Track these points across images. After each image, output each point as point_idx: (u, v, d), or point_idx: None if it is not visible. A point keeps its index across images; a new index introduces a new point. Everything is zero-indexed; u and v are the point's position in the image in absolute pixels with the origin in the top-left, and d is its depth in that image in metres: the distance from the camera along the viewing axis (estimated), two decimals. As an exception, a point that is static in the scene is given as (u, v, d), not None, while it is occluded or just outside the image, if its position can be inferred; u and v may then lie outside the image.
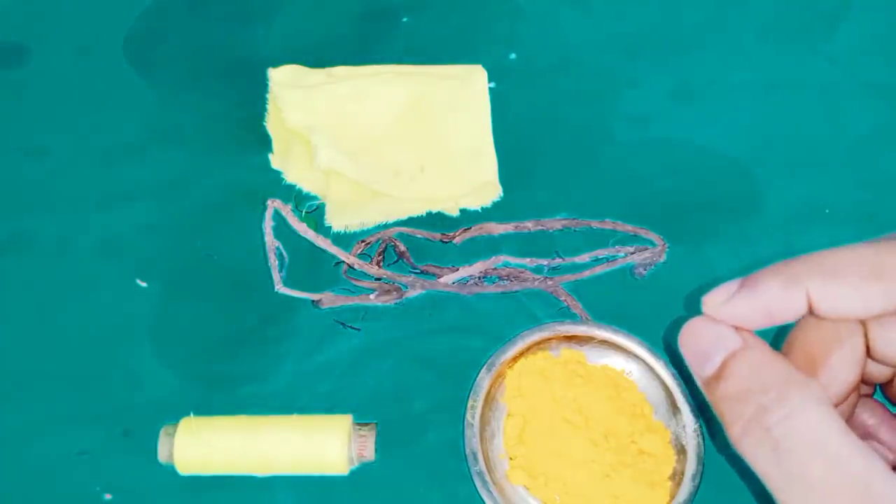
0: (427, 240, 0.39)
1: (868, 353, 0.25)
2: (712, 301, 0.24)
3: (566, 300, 0.38)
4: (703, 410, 0.34)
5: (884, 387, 0.28)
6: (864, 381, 0.27)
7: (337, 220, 0.40)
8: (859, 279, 0.22)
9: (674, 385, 0.34)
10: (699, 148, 0.42)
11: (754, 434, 0.22)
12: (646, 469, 0.33)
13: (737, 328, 0.24)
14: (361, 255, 0.39)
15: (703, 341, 0.24)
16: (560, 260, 0.39)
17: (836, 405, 0.25)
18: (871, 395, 0.29)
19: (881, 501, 0.20)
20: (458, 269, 0.38)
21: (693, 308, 0.38)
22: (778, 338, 0.29)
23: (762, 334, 0.25)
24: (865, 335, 0.25)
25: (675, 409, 0.34)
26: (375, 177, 0.41)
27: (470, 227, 0.40)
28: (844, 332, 0.25)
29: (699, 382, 0.25)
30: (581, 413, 0.34)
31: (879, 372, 0.27)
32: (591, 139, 0.43)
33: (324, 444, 0.33)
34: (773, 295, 0.23)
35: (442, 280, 0.38)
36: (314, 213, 0.40)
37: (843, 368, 0.25)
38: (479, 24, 0.46)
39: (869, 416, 0.28)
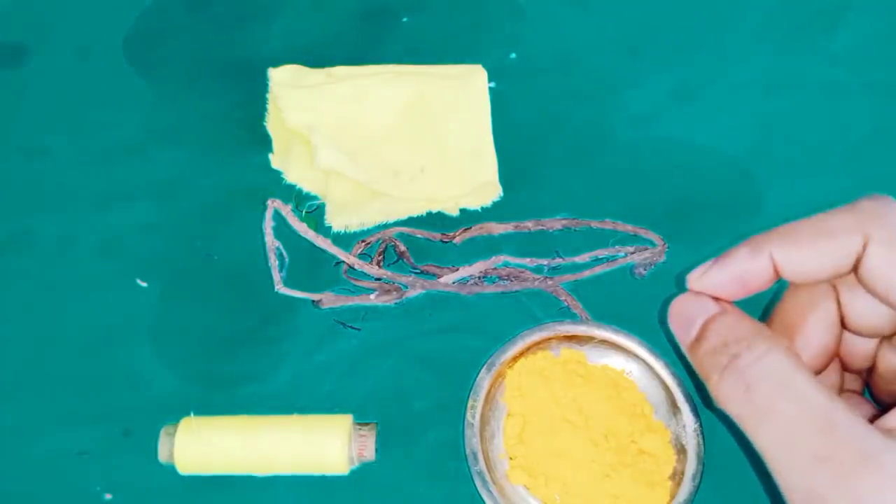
0: (427, 240, 0.39)
1: (843, 324, 0.28)
2: (693, 276, 0.28)
3: (566, 300, 0.38)
4: (702, 410, 0.34)
5: (870, 384, 0.30)
6: (847, 367, 0.30)
7: (337, 220, 0.40)
8: (811, 239, 0.26)
9: (674, 385, 0.34)
10: (699, 148, 0.42)
11: (728, 379, 0.25)
12: (646, 469, 0.33)
13: (717, 300, 0.27)
14: (361, 255, 0.39)
15: (686, 311, 0.27)
16: (560, 260, 0.39)
17: (816, 374, 0.29)
18: (860, 393, 0.31)
19: (842, 433, 0.22)
20: (458, 269, 0.38)
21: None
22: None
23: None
24: (838, 302, 0.28)
25: (675, 408, 0.34)
26: (375, 177, 0.41)
27: (470, 227, 0.39)
28: (818, 297, 0.28)
29: (685, 351, 0.27)
30: (581, 413, 0.34)
31: (859, 352, 0.29)
32: (591, 139, 0.43)
33: (324, 444, 0.33)
34: (742, 263, 0.26)
35: (442, 280, 0.38)
36: (314, 213, 0.40)
37: (817, 332, 0.28)
38: (479, 24, 0.46)
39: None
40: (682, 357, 0.35)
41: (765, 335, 0.25)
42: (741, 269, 0.27)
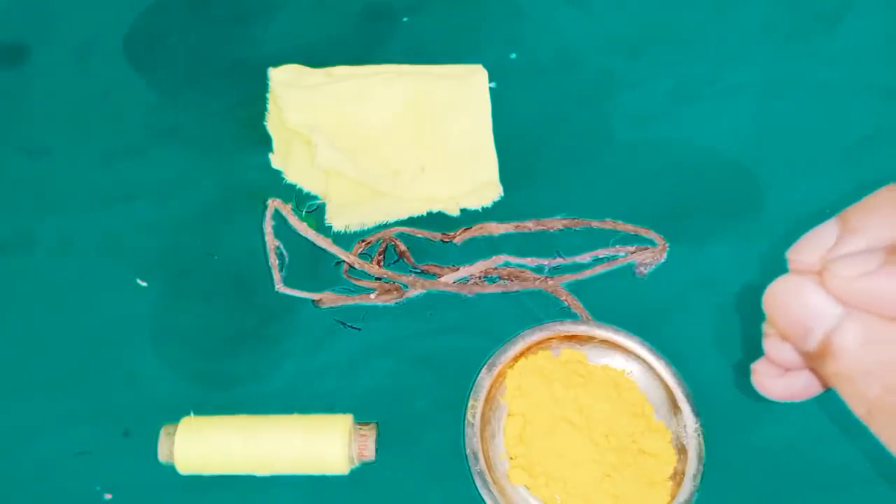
0: (427, 239, 0.39)
1: None
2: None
3: (567, 300, 0.38)
4: (702, 410, 0.34)
5: None
6: None
7: (337, 220, 0.40)
8: None
9: (674, 385, 0.34)
10: (699, 148, 0.42)
11: (882, 417, 0.19)
12: (646, 469, 0.33)
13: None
14: (362, 255, 0.39)
15: (796, 311, 0.20)
16: (561, 260, 0.39)
17: None
18: None
19: None
20: (458, 269, 0.38)
21: (694, 307, 0.38)
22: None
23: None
24: None
25: (675, 408, 0.34)
26: (376, 176, 0.41)
27: (470, 227, 0.39)
28: None
29: (796, 350, 0.21)
30: (582, 413, 0.34)
31: None
32: (591, 139, 0.43)
33: (324, 444, 0.33)
34: None
35: (442, 280, 0.38)
36: (314, 212, 0.40)
37: None
38: (479, 24, 0.46)
39: None
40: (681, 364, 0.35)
41: None
42: (885, 238, 0.19)
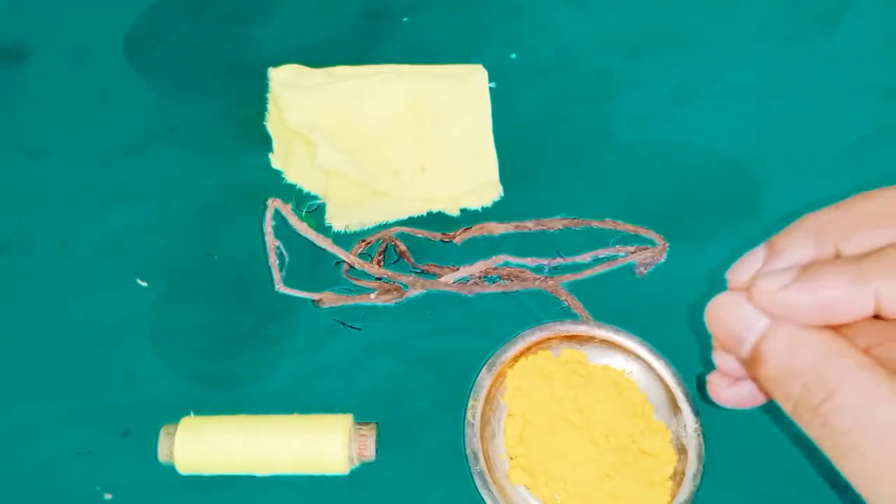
0: (427, 239, 0.39)
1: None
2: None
3: (567, 300, 0.38)
4: (703, 410, 0.34)
5: None
6: None
7: (337, 220, 0.40)
8: None
9: (674, 385, 0.34)
10: (699, 148, 0.42)
11: (804, 414, 0.22)
12: (646, 469, 0.33)
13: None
14: (362, 255, 0.39)
15: (730, 323, 0.23)
16: (561, 259, 0.39)
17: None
18: None
19: None
20: (458, 269, 0.38)
21: (694, 307, 0.38)
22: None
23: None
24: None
25: (675, 408, 0.34)
26: (376, 176, 0.41)
27: (470, 227, 0.39)
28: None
29: (739, 362, 0.24)
30: (582, 413, 0.34)
31: None
32: (591, 139, 0.43)
33: (324, 444, 0.33)
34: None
35: (442, 279, 0.38)
36: (314, 212, 0.40)
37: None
38: (479, 24, 0.46)
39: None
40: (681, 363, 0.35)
41: (836, 356, 0.21)
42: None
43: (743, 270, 0.24)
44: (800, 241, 0.23)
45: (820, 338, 0.22)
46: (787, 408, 0.22)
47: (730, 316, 0.23)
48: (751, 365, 0.23)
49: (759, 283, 0.23)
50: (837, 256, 0.22)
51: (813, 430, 0.22)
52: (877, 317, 0.23)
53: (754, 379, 0.24)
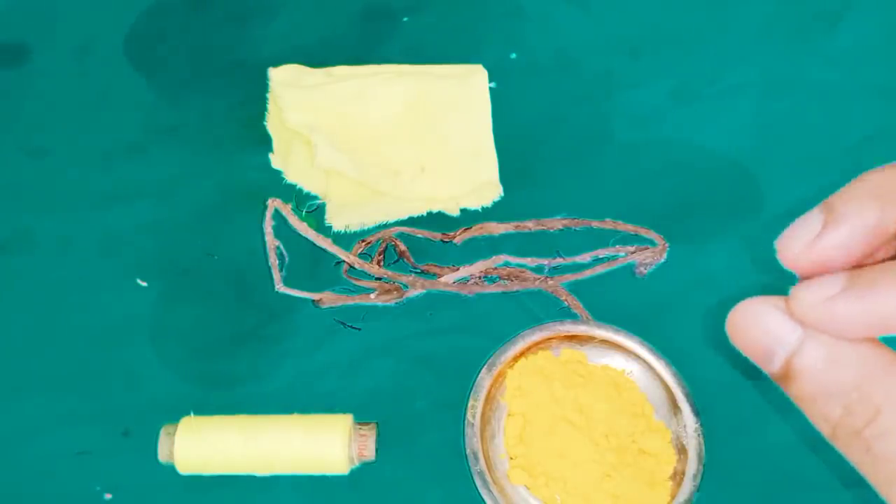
0: (427, 239, 0.39)
1: None
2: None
3: (567, 300, 0.38)
4: (702, 410, 0.34)
5: None
6: None
7: (337, 220, 0.40)
8: None
9: (674, 385, 0.34)
10: (699, 148, 0.42)
11: (845, 438, 0.19)
12: (646, 469, 0.33)
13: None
14: (362, 255, 0.39)
15: (757, 335, 0.20)
16: (561, 259, 0.39)
17: None
18: None
19: None
20: (458, 269, 0.38)
21: (694, 307, 0.38)
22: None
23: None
24: None
25: (675, 408, 0.34)
26: (376, 176, 0.41)
27: (470, 227, 0.39)
28: None
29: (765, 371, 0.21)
30: (582, 413, 0.34)
31: None
32: (591, 139, 0.43)
33: (324, 444, 0.33)
34: (870, 217, 0.19)
35: (442, 279, 0.38)
36: (314, 212, 0.40)
37: None
38: (479, 24, 0.46)
39: None
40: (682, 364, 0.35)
41: (882, 373, 0.19)
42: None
43: (796, 239, 0.21)
44: (864, 206, 0.20)
45: (862, 351, 0.19)
46: (824, 430, 0.20)
47: (757, 327, 0.20)
48: (782, 381, 0.20)
49: (802, 293, 0.20)
50: None
51: (854, 456, 0.19)
52: None
53: (786, 391, 0.21)
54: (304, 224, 0.39)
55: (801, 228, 0.21)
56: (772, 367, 0.20)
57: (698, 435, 0.33)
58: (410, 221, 0.40)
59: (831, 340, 0.19)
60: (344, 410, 0.35)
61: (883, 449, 0.18)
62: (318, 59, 0.44)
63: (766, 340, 0.20)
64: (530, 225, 0.39)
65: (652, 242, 0.39)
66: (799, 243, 0.20)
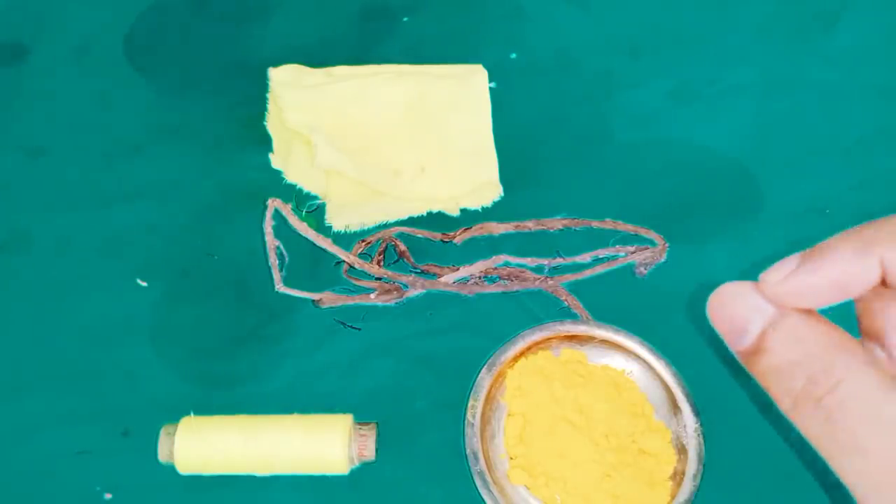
0: (427, 239, 0.39)
1: None
2: (772, 278, 0.22)
3: (567, 300, 0.38)
4: (702, 410, 0.34)
5: None
6: None
7: (337, 220, 0.40)
8: None
9: (674, 385, 0.34)
10: (699, 148, 0.42)
11: (805, 408, 0.21)
12: (646, 469, 0.33)
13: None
14: (362, 255, 0.39)
15: (735, 312, 0.23)
16: (561, 259, 0.39)
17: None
18: None
19: None
20: (458, 269, 0.38)
21: (694, 307, 0.38)
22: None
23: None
24: None
25: (675, 408, 0.34)
26: (376, 176, 0.41)
27: (470, 227, 0.39)
28: None
29: (735, 355, 0.23)
30: (582, 413, 0.34)
31: None
32: (591, 139, 0.43)
33: (324, 444, 0.33)
34: (844, 265, 0.21)
35: (442, 279, 0.38)
36: (314, 212, 0.40)
37: None
38: (479, 24, 0.46)
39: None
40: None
41: (844, 349, 0.21)
42: (842, 273, 0.21)
43: (776, 272, 0.23)
44: (838, 245, 0.22)
45: (829, 329, 0.21)
46: (785, 404, 0.21)
47: (734, 305, 0.23)
48: (751, 356, 0.22)
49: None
50: (883, 270, 0.21)
51: (813, 428, 0.21)
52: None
53: (752, 373, 0.23)
54: (304, 224, 0.39)
55: (783, 264, 0.23)
56: (744, 342, 0.22)
57: (698, 435, 0.33)
58: (410, 221, 0.40)
59: (800, 317, 0.22)
60: (344, 410, 0.35)
61: (841, 417, 0.20)
62: (317, 59, 0.44)
63: (741, 316, 0.22)
64: (530, 225, 0.39)
65: (652, 242, 0.39)
66: (778, 275, 0.23)
